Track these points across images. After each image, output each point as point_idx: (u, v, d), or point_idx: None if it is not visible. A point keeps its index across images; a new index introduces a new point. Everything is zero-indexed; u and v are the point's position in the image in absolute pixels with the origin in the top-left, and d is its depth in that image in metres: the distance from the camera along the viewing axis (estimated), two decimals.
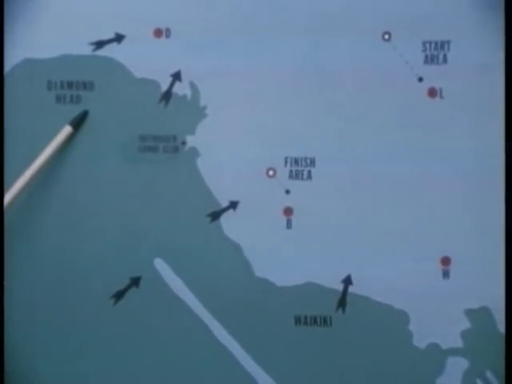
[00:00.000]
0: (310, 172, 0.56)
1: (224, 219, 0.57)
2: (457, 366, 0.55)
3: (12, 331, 0.57)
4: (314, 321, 0.56)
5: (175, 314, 0.57)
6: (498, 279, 0.54)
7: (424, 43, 0.55)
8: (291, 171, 0.56)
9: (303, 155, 0.56)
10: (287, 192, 0.56)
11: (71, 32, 0.58)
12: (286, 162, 0.57)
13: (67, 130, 0.56)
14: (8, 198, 0.54)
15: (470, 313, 0.55)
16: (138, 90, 0.58)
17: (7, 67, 0.58)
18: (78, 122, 0.57)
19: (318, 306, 0.56)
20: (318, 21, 0.57)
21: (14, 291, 0.57)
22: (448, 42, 0.55)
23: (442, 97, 0.55)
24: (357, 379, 0.55)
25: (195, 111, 0.57)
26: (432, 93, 0.56)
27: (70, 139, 0.57)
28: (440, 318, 0.55)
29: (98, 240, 0.57)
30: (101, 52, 0.58)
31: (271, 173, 0.57)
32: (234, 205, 0.57)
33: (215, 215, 0.57)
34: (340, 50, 0.56)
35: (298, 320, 0.56)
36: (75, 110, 0.58)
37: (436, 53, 0.55)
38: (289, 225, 0.56)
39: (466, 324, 0.55)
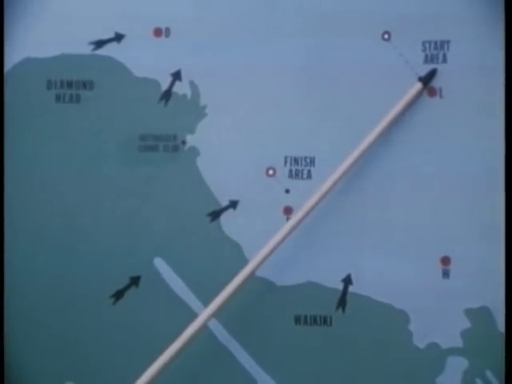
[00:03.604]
0: (309, 171, 0.56)
1: (224, 219, 0.57)
2: (457, 365, 0.55)
3: (12, 330, 0.57)
4: (314, 320, 0.56)
5: (175, 313, 0.56)
6: (498, 279, 0.54)
7: (424, 43, 0.56)
8: (291, 170, 0.56)
9: (303, 154, 0.56)
10: (287, 191, 0.57)
11: (71, 31, 0.58)
12: (285, 162, 0.57)
13: (418, 86, 0.54)
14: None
15: (469, 312, 0.55)
16: (137, 89, 0.58)
17: (7, 66, 0.58)
18: (429, 79, 0.55)
19: (318, 306, 0.56)
20: (317, 21, 0.57)
21: (13, 291, 0.57)
22: (448, 42, 0.55)
23: (441, 96, 0.55)
24: (357, 379, 0.55)
25: (195, 110, 0.57)
26: (432, 92, 0.56)
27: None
28: (440, 318, 0.55)
29: (98, 239, 0.57)
30: (100, 51, 0.58)
31: (271, 172, 0.57)
32: (233, 204, 0.57)
33: (215, 214, 0.57)
34: (340, 49, 0.56)
35: (297, 319, 0.56)
36: (75, 110, 0.58)
37: (436, 52, 0.55)
38: None
39: (465, 323, 0.55)
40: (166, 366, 0.52)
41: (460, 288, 0.55)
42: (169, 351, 0.52)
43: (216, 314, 0.53)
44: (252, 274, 0.54)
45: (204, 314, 0.53)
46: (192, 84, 0.57)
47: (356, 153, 0.54)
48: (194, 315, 0.56)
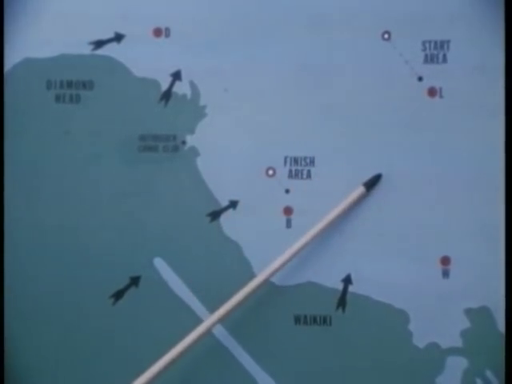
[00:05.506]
0: (309, 171, 0.56)
1: (224, 219, 0.57)
2: (456, 365, 0.55)
3: (12, 330, 0.57)
4: (314, 320, 0.56)
5: (175, 313, 0.56)
6: (498, 279, 0.54)
7: (424, 43, 0.56)
8: (291, 170, 0.56)
9: (303, 154, 0.56)
10: (287, 191, 0.57)
11: (71, 31, 0.58)
12: (285, 162, 0.57)
13: (361, 190, 0.55)
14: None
15: (469, 312, 0.55)
16: (137, 89, 0.58)
17: (7, 66, 0.58)
18: (372, 184, 0.55)
19: (318, 306, 0.56)
20: (317, 20, 0.57)
21: (13, 291, 0.57)
22: (448, 42, 0.55)
23: (441, 96, 0.55)
24: (357, 378, 0.55)
25: (195, 111, 0.57)
26: (432, 92, 0.56)
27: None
28: (440, 318, 0.55)
29: (98, 240, 0.57)
30: (100, 51, 0.58)
31: (271, 172, 0.57)
32: (233, 204, 0.57)
33: (215, 215, 0.57)
34: (340, 49, 0.56)
35: (297, 319, 0.56)
36: (75, 110, 0.58)
37: (436, 52, 0.55)
38: (289, 224, 0.56)
39: (465, 323, 0.55)
40: (165, 370, 0.52)
41: (460, 288, 0.55)
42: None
43: (221, 321, 0.54)
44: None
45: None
46: (192, 84, 0.57)
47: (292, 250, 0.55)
48: (194, 315, 0.56)
